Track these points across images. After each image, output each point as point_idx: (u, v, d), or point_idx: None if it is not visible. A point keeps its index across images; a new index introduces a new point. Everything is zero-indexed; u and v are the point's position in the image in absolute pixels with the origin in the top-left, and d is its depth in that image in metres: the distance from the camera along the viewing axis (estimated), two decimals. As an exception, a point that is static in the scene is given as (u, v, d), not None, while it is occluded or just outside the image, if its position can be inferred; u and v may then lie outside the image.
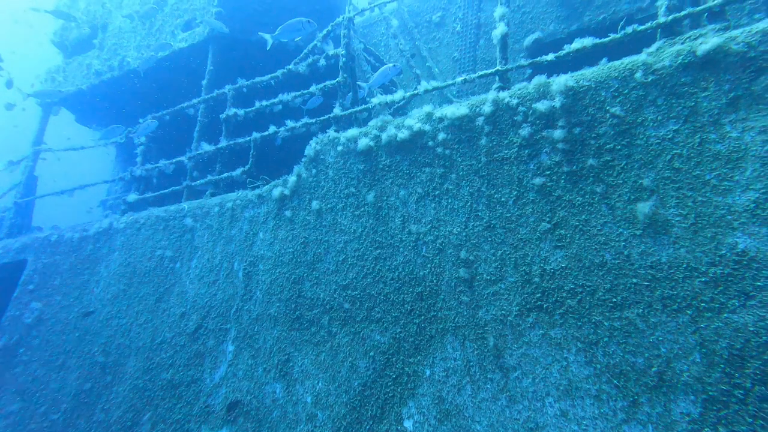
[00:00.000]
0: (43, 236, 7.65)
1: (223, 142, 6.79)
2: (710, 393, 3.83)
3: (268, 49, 6.65)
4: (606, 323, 4.85)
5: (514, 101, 3.98)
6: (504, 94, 4.05)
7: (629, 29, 3.75)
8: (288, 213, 5.33)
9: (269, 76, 6.73)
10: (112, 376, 5.74)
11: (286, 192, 5.40)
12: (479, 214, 4.28)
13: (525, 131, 3.94)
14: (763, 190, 3.24)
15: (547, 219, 3.99)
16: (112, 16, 9.54)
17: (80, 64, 9.67)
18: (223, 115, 6.92)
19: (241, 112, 6.88)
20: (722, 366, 4.38)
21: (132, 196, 7.25)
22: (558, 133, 3.77)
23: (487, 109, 4.10)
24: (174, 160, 7.32)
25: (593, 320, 4.73)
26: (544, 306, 4.27)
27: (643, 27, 3.71)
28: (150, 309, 5.82)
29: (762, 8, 5.92)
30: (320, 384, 4.41)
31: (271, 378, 4.69)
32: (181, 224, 6.24)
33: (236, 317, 5.20)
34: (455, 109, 4.22)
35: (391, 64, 5.60)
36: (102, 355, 6.00)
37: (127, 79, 9.23)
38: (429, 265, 4.38)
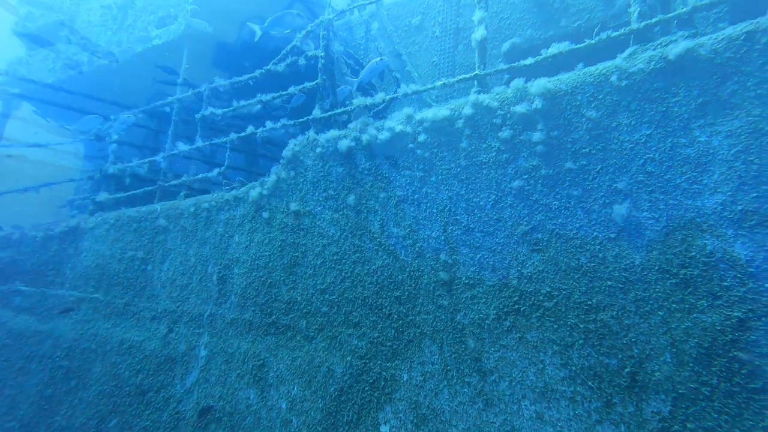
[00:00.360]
0: (2, 235, 7.30)
1: (199, 143, 6.63)
2: (679, 391, 3.92)
3: (256, 40, 6.53)
4: (581, 326, 4.92)
5: (494, 103, 4.01)
6: (484, 97, 4.07)
7: (604, 35, 3.83)
8: (265, 215, 5.23)
9: (247, 75, 6.63)
10: (76, 381, 5.50)
11: (264, 193, 5.30)
12: (458, 218, 4.28)
13: (504, 134, 3.97)
14: (729, 193, 3.33)
15: (525, 223, 4.02)
16: (80, 9, 9.22)
17: (46, 56, 9.31)
18: (198, 115, 6.77)
19: (218, 111, 6.74)
20: (691, 365, 4.49)
21: (102, 196, 7.00)
22: (536, 136, 3.81)
23: (467, 111, 4.11)
24: (147, 160, 7.11)
25: (569, 323, 4.79)
26: (522, 309, 4.30)
27: (617, 33, 3.79)
28: (118, 312, 5.60)
29: (726, 17, 6.15)
30: (296, 389, 4.32)
31: (245, 383, 4.57)
32: (153, 225, 6.05)
33: (209, 321, 5.06)
34: (436, 111, 4.22)
35: (378, 58, 5.57)
36: (66, 359, 5.74)
37: (98, 72, 8.92)
38: (408, 269, 4.35)
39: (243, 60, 9.99)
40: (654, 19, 3.69)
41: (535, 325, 4.55)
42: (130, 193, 6.91)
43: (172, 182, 6.60)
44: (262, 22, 9.57)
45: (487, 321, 4.36)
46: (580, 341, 4.67)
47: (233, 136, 6.23)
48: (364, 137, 4.68)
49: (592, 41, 3.84)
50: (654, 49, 3.57)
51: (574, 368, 4.13)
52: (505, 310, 4.54)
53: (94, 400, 5.24)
